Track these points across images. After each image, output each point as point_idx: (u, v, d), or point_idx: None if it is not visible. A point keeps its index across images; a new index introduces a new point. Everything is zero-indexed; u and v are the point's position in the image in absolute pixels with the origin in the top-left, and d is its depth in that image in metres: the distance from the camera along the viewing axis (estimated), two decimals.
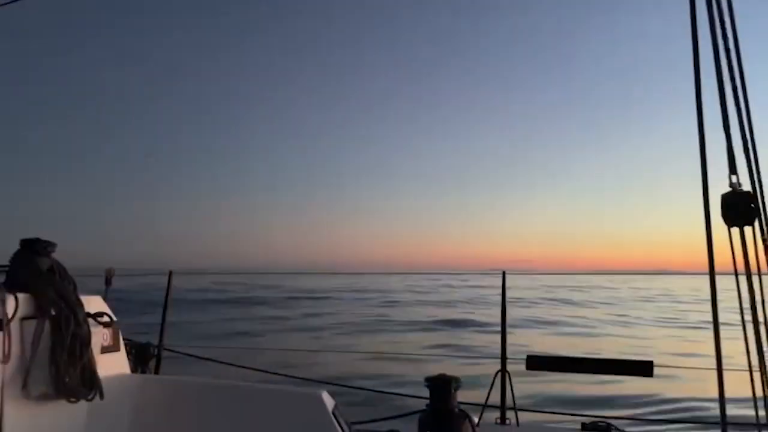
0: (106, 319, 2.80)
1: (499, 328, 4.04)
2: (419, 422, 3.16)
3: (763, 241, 1.12)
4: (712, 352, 1.18)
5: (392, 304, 28.21)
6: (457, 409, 3.19)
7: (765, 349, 1.19)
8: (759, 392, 1.19)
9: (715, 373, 1.21)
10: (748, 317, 1.14)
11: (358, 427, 3.08)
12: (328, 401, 2.85)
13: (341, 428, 2.79)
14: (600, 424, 3.33)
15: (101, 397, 2.53)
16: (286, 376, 4.56)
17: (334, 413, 2.82)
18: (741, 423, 1.97)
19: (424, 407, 3.27)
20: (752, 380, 1.17)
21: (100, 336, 2.74)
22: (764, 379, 1.19)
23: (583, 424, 3.39)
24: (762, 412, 1.19)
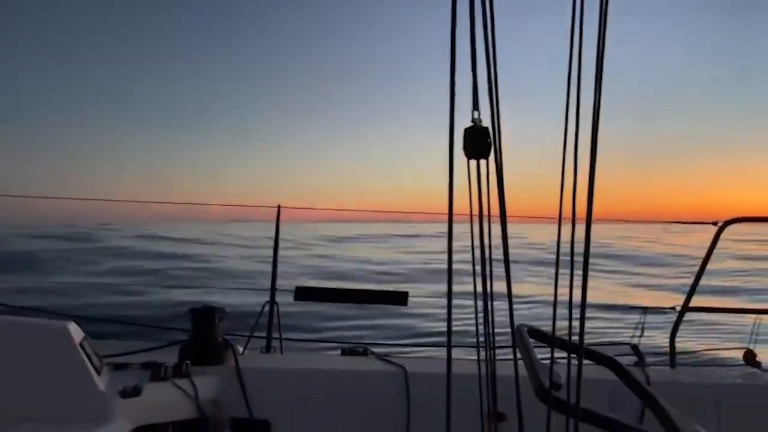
0: None
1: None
2: (179, 352, 3.09)
3: (496, 171, 1.25)
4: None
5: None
6: (221, 339, 3.17)
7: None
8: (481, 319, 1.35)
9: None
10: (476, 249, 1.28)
11: (110, 360, 2.91)
12: (76, 333, 2.63)
13: (90, 362, 2.61)
14: (358, 348, 3.55)
15: None
16: (29, 309, 4.11)
17: (81, 345, 2.62)
18: (465, 345, 2.25)
19: (186, 338, 3.20)
20: (476, 308, 1.33)
21: None
22: (486, 307, 1.36)
23: (343, 350, 3.59)
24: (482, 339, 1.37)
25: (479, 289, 1.30)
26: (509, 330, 1.59)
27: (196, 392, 2.81)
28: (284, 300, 3.95)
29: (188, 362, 2.93)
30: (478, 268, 1.28)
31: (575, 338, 1.25)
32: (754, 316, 3.43)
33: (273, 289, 3.92)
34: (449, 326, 1.30)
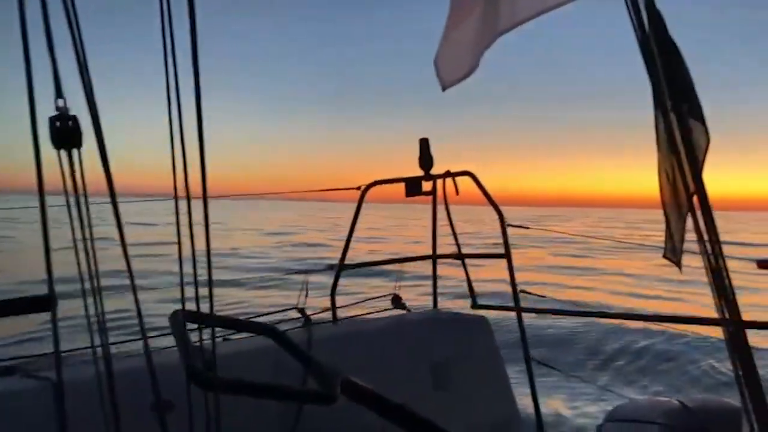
0: None
1: None
2: None
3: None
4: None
5: None
6: None
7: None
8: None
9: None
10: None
11: None
12: None
13: None
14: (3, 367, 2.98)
15: None
16: None
17: None
18: (121, 341, 2.09)
19: None
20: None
21: None
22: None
23: None
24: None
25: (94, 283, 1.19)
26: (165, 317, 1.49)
27: None
28: None
29: None
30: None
31: (230, 314, 1.21)
32: (398, 264, 3.88)
33: None
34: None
